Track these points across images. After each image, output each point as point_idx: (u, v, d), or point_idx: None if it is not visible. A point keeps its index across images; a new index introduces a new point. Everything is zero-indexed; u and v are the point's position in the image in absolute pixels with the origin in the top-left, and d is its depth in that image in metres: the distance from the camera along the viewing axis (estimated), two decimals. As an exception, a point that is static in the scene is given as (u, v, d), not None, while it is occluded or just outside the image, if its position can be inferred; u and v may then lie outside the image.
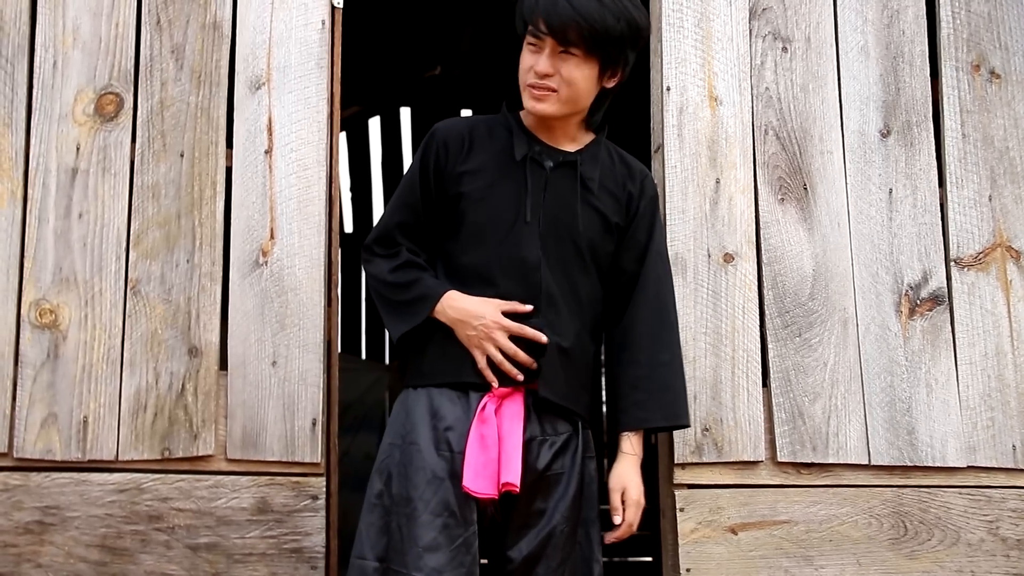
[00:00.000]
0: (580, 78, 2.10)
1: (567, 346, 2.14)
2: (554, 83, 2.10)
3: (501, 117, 2.25)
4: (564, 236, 2.15)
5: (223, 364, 2.57)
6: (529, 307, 2.10)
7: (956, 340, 2.82)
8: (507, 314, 2.09)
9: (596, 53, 2.09)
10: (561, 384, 2.13)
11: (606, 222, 2.20)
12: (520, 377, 2.08)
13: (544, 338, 2.10)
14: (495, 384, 2.08)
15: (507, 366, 2.08)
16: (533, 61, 2.11)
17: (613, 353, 2.25)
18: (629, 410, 2.19)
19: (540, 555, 2.08)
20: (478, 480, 2.01)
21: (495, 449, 2.02)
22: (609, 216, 2.21)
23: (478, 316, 2.08)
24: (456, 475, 2.03)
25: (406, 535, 2.00)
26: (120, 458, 2.50)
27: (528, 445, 2.08)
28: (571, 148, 2.22)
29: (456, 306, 2.10)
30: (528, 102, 2.14)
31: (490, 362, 2.09)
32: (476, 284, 2.12)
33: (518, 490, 2.02)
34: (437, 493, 2.02)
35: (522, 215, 2.13)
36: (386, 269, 2.19)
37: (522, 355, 2.08)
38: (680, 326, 2.67)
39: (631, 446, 2.20)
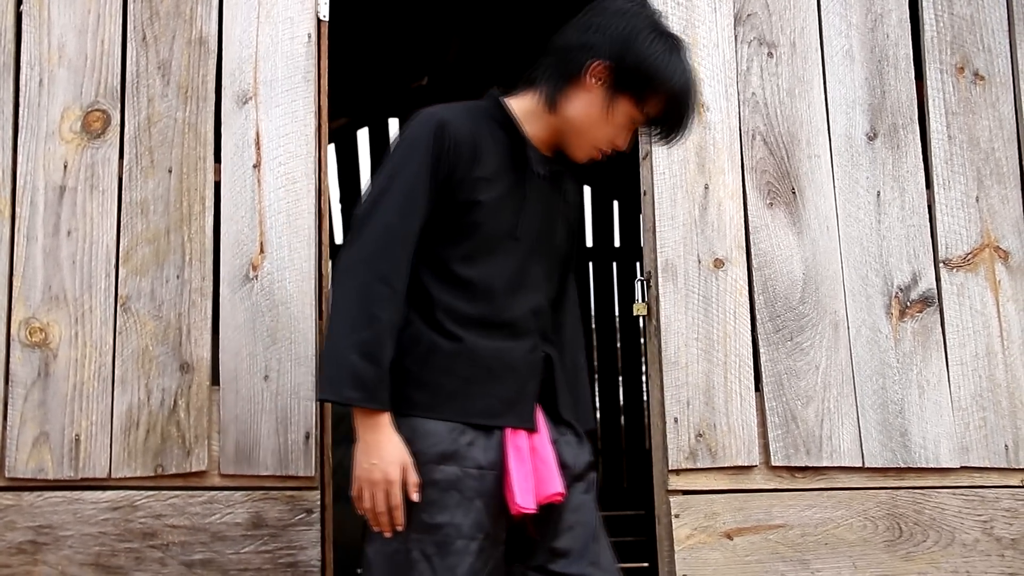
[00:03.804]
0: None
1: (568, 361, 2.10)
2: None
3: (493, 109, 2.02)
4: (555, 247, 2.09)
5: (215, 379, 2.56)
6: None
7: (947, 341, 2.83)
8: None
9: None
10: (568, 398, 2.06)
11: (571, 229, 2.17)
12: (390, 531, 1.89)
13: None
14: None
15: (384, 518, 1.85)
16: (621, 137, 1.99)
17: None
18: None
19: (598, 546, 2.00)
20: (526, 496, 1.89)
21: (529, 461, 1.92)
22: (572, 224, 2.17)
23: (396, 461, 1.84)
24: (486, 493, 1.88)
25: (438, 565, 1.84)
26: (113, 476, 2.49)
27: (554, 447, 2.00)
28: (548, 154, 2.09)
29: (387, 435, 1.84)
30: (581, 157, 2.02)
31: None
32: (475, 296, 1.93)
33: (562, 498, 1.94)
34: (469, 515, 1.86)
35: (522, 228, 2.00)
36: (391, 321, 1.85)
37: (398, 516, 1.85)
38: (672, 332, 2.69)
39: None
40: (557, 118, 1.99)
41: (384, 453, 1.84)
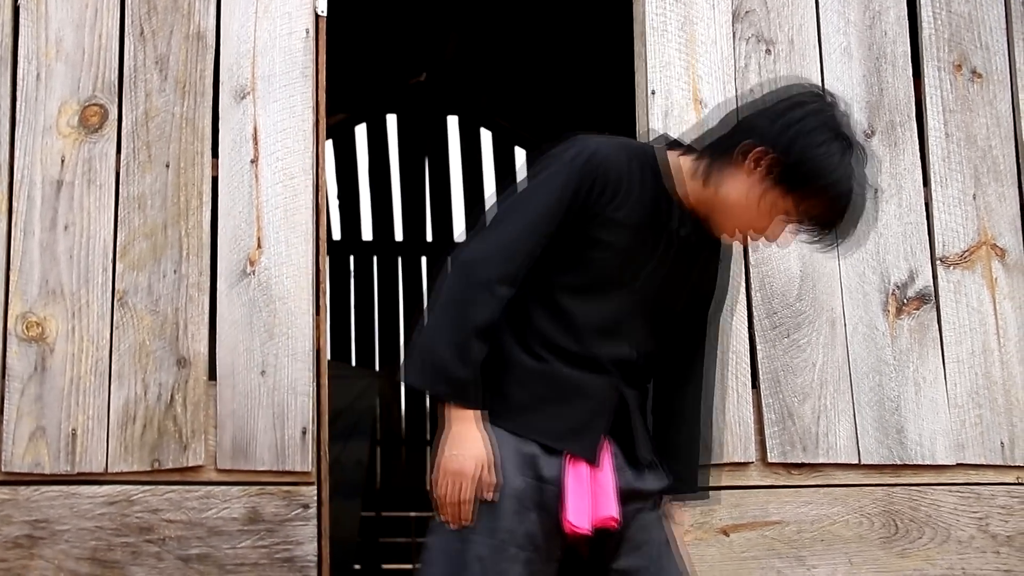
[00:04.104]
0: None
1: (683, 432, 2.07)
2: None
3: (652, 157, 1.97)
4: (671, 310, 2.03)
5: (212, 374, 2.56)
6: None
7: (943, 338, 2.83)
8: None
9: None
10: (646, 441, 2.03)
11: (702, 299, 2.11)
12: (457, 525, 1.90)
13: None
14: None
15: (453, 509, 1.86)
16: (769, 227, 1.91)
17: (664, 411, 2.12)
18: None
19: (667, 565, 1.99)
20: (580, 516, 1.87)
21: (588, 481, 1.91)
22: (704, 294, 2.11)
23: (475, 456, 1.85)
24: (544, 507, 1.87)
25: (491, 570, 1.83)
26: (109, 470, 2.49)
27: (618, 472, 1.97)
28: (696, 218, 2.03)
29: (471, 429, 1.86)
30: (724, 235, 1.98)
31: None
32: (566, 328, 1.92)
33: (618, 525, 1.90)
34: (523, 524, 1.86)
35: (640, 281, 1.95)
36: (487, 325, 1.85)
37: (466, 511, 1.86)
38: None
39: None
40: (710, 191, 1.93)
41: (466, 446, 1.85)
